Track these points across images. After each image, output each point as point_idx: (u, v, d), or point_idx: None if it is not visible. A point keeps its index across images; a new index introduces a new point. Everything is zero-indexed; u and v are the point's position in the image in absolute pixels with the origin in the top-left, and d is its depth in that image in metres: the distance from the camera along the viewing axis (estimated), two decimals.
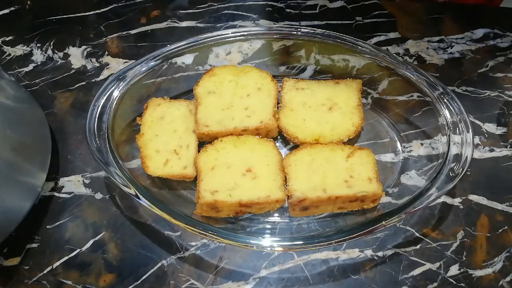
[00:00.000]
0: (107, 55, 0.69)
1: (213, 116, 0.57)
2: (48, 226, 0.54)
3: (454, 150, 0.53)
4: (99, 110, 0.55)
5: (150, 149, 0.56)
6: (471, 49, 0.70)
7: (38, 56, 0.69)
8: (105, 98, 0.56)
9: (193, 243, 0.53)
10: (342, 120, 0.58)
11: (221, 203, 0.50)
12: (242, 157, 0.54)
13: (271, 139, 0.57)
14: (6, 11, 0.75)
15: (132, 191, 0.50)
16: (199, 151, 0.56)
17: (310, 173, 0.53)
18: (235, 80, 0.60)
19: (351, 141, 0.58)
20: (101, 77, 0.67)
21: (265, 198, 0.51)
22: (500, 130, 0.62)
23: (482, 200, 0.56)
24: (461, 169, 0.51)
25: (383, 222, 0.48)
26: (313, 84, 0.61)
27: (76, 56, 0.69)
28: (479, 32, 0.71)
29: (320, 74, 0.65)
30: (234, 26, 0.73)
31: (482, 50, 0.70)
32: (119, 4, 0.75)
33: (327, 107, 0.59)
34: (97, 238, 0.54)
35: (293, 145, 0.59)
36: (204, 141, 0.58)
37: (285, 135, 0.58)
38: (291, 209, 0.52)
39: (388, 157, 0.59)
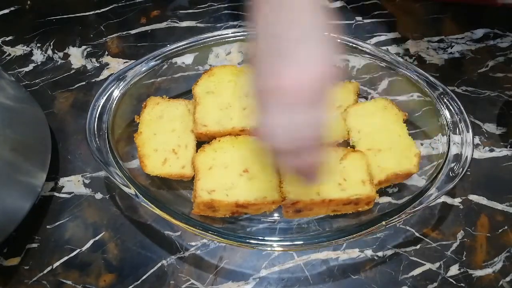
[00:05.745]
0: (107, 55, 0.69)
1: (211, 116, 0.57)
2: (48, 226, 0.54)
3: (454, 150, 0.53)
4: (99, 110, 0.55)
5: (148, 148, 0.56)
6: (471, 49, 0.70)
7: (38, 56, 0.69)
8: (105, 98, 0.56)
9: (193, 243, 0.53)
10: (337, 121, 0.58)
11: (217, 203, 0.50)
12: (240, 157, 0.54)
13: None
14: (6, 11, 0.75)
15: (132, 191, 0.50)
16: (197, 151, 0.56)
17: None
18: (234, 80, 0.60)
19: (349, 143, 0.58)
20: (101, 77, 0.67)
21: (261, 199, 0.51)
22: (500, 130, 0.62)
23: (482, 200, 0.56)
24: (461, 169, 0.51)
25: (383, 222, 0.48)
26: None
27: (76, 56, 0.69)
28: (479, 32, 0.71)
29: None
30: (234, 26, 0.73)
31: (482, 50, 0.70)
32: (119, 4, 0.75)
33: None
34: (97, 238, 0.54)
35: None
36: (202, 141, 0.57)
37: None
38: (284, 211, 0.52)
39: None
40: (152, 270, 0.52)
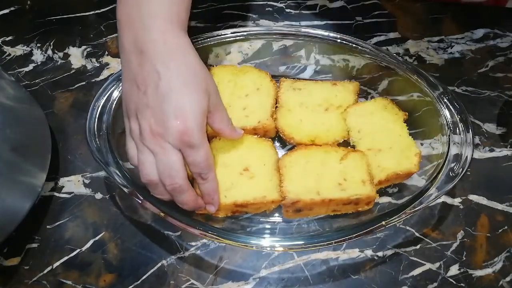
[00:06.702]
0: (107, 55, 0.69)
1: None
2: (48, 226, 0.54)
3: (454, 150, 0.53)
4: (99, 110, 0.55)
5: None
6: (471, 49, 0.70)
7: (38, 56, 0.69)
8: (105, 98, 0.56)
9: (193, 243, 0.53)
10: (337, 121, 0.58)
11: None
12: (240, 157, 0.54)
13: (269, 139, 0.57)
14: (6, 11, 0.75)
15: (132, 191, 0.50)
16: None
17: (305, 175, 0.53)
18: (234, 80, 0.60)
19: (349, 143, 0.58)
20: (101, 77, 0.67)
21: (261, 199, 0.51)
22: (500, 130, 0.62)
23: (482, 200, 0.56)
24: (461, 169, 0.51)
25: (383, 222, 0.48)
26: (310, 84, 0.61)
27: (76, 56, 0.69)
28: (479, 32, 0.71)
29: (320, 74, 0.65)
30: (234, 26, 0.73)
31: (482, 50, 0.70)
32: None
33: (323, 108, 0.59)
34: (97, 238, 0.54)
35: (292, 146, 0.59)
36: None
37: (281, 135, 0.58)
38: (284, 211, 0.52)
39: None
40: (152, 270, 0.52)
